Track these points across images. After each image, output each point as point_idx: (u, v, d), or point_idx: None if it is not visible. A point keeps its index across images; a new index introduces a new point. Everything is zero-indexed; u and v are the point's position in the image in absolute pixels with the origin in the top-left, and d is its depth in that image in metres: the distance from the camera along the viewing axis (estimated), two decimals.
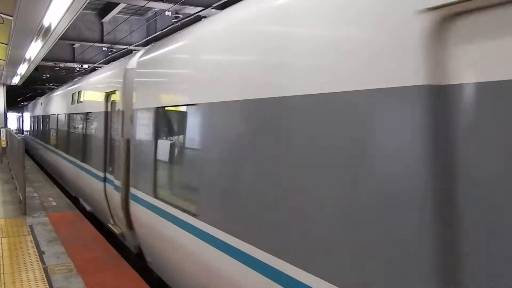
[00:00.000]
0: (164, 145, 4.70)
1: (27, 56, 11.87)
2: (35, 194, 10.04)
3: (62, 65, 20.22)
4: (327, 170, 2.37)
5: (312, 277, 2.44)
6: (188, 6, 10.89)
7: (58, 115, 12.65)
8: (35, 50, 10.80)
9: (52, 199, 9.53)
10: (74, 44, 18.50)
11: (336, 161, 2.31)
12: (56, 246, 5.98)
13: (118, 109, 6.26)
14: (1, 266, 5.18)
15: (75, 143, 9.49)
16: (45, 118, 16.12)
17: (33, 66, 14.99)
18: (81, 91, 9.46)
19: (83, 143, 8.60)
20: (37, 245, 6.02)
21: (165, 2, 10.88)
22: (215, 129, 3.54)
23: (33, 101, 23.28)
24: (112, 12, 14.85)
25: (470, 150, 1.73)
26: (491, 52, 1.66)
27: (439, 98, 1.81)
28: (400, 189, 1.96)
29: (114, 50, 16.69)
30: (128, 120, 5.69)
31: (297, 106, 2.59)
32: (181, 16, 11.37)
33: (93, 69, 17.43)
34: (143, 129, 5.10)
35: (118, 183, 5.98)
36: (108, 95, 7.01)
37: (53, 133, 13.54)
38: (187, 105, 4.16)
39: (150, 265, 5.33)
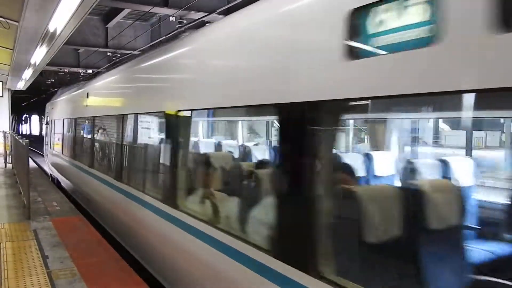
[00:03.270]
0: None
1: (32, 61, 11.96)
2: (39, 199, 10.06)
3: (66, 70, 20.35)
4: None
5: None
6: (192, 12, 10.96)
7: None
8: (40, 55, 10.87)
9: (56, 204, 9.55)
10: (79, 49, 18.62)
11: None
12: (60, 251, 5.99)
13: None
14: (5, 270, 5.19)
15: None
16: None
17: (38, 71, 15.09)
18: None
19: None
20: (41, 250, 6.02)
21: (170, 7, 10.95)
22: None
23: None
24: (116, 18, 14.95)
25: None
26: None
27: None
28: None
29: (119, 55, 16.79)
30: None
31: None
32: (185, 21, 11.43)
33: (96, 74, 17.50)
34: None
35: None
36: None
37: None
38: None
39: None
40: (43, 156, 30.83)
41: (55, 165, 14.02)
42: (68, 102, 12.47)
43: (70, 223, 7.79)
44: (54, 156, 14.40)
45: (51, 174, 15.63)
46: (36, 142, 38.90)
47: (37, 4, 6.57)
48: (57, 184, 13.44)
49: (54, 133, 14.84)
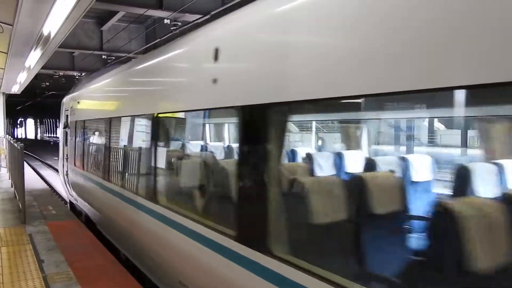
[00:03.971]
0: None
1: (26, 64, 11.90)
2: (35, 203, 10.01)
3: (61, 73, 20.29)
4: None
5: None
6: (186, 14, 10.95)
7: None
8: (34, 58, 10.83)
9: (51, 208, 9.51)
10: (73, 52, 18.57)
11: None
12: (55, 255, 5.96)
13: None
14: (0, 275, 5.15)
15: None
16: None
17: (32, 75, 15.02)
18: None
19: None
20: (37, 254, 5.99)
21: (164, 10, 10.94)
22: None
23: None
24: (111, 20, 14.93)
25: None
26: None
27: None
28: None
29: (114, 57, 16.75)
30: None
31: None
32: (180, 23, 11.43)
33: None
34: None
35: None
36: None
37: None
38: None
39: None
40: (40, 160, 30.64)
41: (82, 192, 9.18)
42: (125, 89, 6.92)
43: (66, 227, 7.75)
44: (80, 177, 9.27)
45: (70, 202, 11.33)
46: (32, 146, 38.81)
47: (31, 7, 6.54)
48: (85, 220, 8.92)
49: (81, 142, 9.56)
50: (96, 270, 5.39)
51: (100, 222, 8.04)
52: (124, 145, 6.86)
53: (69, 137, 11.05)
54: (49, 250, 6.18)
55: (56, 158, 30.28)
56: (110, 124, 7.32)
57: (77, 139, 10.04)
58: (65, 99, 12.05)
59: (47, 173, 22.01)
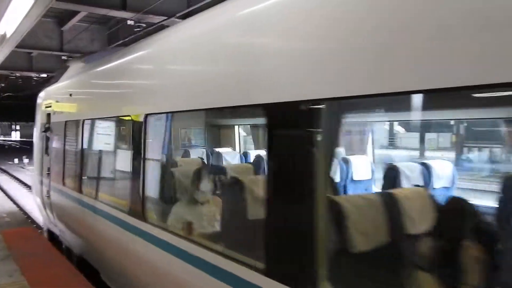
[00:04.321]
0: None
1: None
2: None
3: (18, 74, 19.56)
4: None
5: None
6: (150, 15, 10.80)
7: None
8: None
9: (5, 215, 9.09)
10: (31, 53, 17.94)
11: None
12: (9, 264, 5.67)
13: None
14: None
15: None
16: None
17: None
18: None
19: None
20: None
21: (128, 11, 10.74)
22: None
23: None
24: (72, 20, 14.50)
25: None
26: None
27: None
28: None
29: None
30: None
31: None
32: (144, 25, 11.26)
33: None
34: None
35: None
36: None
37: None
38: None
39: None
40: None
41: (77, 225, 6.51)
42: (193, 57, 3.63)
43: (21, 235, 7.42)
44: (74, 203, 6.41)
45: (49, 230, 8.46)
46: None
47: None
48: (78, 263, 6.33)
49: (78, 151, 6.53)
50: (52, 278, 5.17)
51: (110, 275, 5.39)
52: (178, 162, 4.99)
53: (52, 145, 7.97)
54: (2, 260, 5.88)
55: (10, 162, 29.15)
56: (144, 124, 4.30)
57: (69, 147, 7.02)
58: (43, 94, 8.93)
59: (1, 178, 21.03)
